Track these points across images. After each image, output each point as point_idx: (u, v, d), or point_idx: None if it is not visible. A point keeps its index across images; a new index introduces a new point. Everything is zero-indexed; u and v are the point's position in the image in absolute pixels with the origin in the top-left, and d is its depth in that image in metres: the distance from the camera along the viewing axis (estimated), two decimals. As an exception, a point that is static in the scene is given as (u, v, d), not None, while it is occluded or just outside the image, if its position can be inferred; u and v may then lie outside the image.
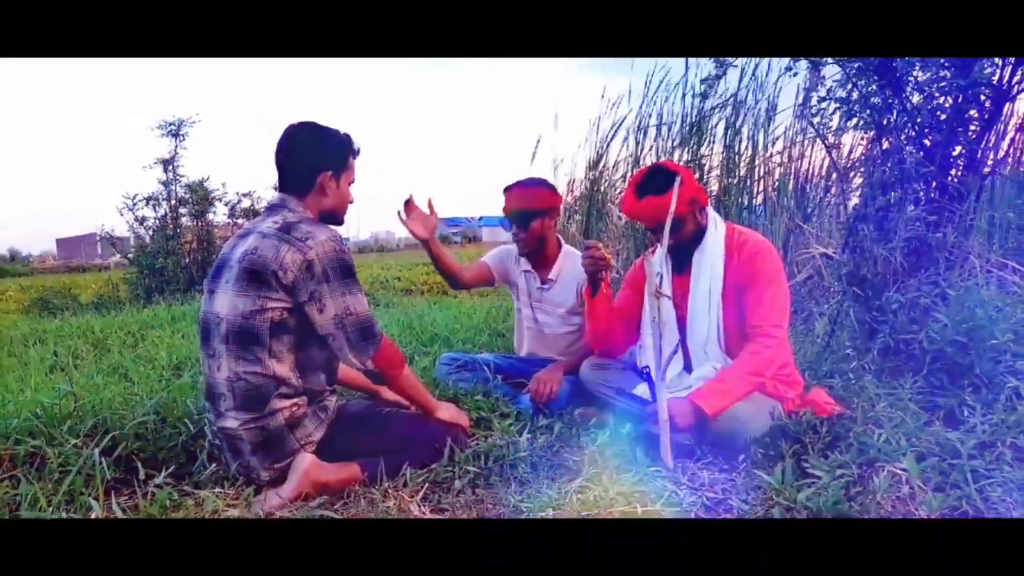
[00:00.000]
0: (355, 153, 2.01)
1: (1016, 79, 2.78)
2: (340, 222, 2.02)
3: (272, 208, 1.94)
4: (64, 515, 1.64)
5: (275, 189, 2.04)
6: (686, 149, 5.65)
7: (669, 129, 5.90)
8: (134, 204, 8.11)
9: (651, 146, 6.07)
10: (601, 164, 6.53)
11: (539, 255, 2.83)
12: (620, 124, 6.31)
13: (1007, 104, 2.92)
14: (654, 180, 2.15)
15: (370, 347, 1.88)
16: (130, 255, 8.27)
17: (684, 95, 5.69)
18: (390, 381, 2.01)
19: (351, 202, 2.03)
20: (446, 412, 2.11)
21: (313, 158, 1.92)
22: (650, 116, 6.04)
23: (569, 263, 2.81)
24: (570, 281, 2.80)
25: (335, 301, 1.81)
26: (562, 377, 2.58)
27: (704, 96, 5.22)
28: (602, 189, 6.53)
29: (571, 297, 2.81)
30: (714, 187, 5.47)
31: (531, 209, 2.69)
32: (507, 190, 2.73)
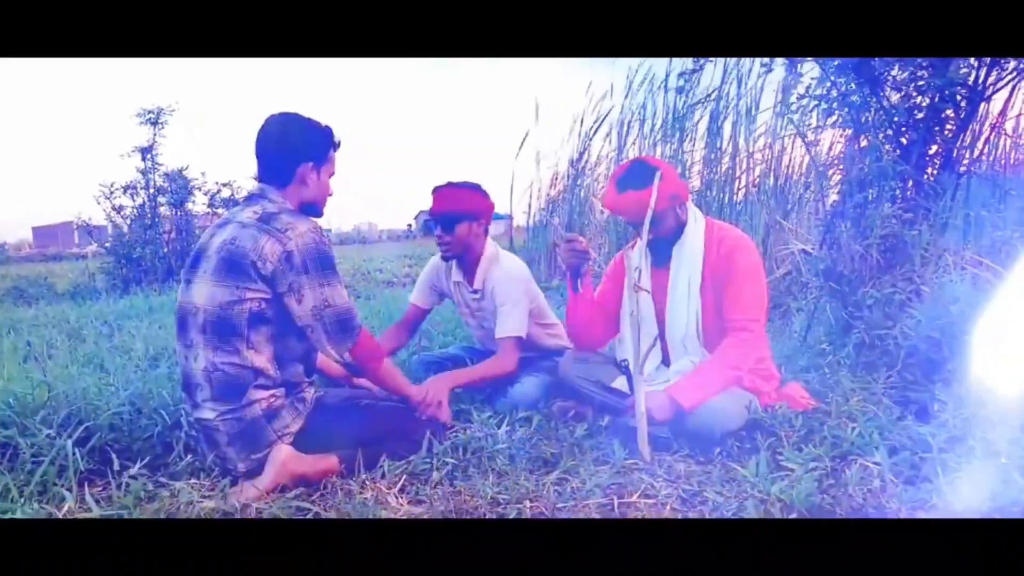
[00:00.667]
0: (336, 145, 2.00)
1: (991, 80, 2.82)
2: (319, 214, 2.01)
3: (251, 198, 1.92)
4: (36, 506, 1.63)
5: (255, 179, 2.02)
6: (668, 145, 5.68)
7: (652, 125, 5.93)
8: (111, 193, 7.99)
9: (634, 141, 6.10)
10: (584, 159, 6.55)
11: (467, 261, 2.67)
12: (603, 119, 6.33)
13: (982, 104, 2.96)
14: (635, 175, 2.16)
15: (348, 340, 1.88)
16: (107, 244, 8.15)
17: (667, 91, 5.72)
18: (369, 374, 2.01)
19: (331, 194, 2.02)
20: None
21: (294, 149, 1.90)
22: (633, 111, 6.07)
23: (492, 267, 2.64)
24: (493, 290, 2.62)
25: (314, 292, 1.81)
26: (449, 389, 2.30)
27: (681, 91, 5.24)
28: (584, 184, 6.55)
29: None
30: (696, 183, 5.51)
31: (458, 212, 2.54)
32: (435, 191, 2.59)
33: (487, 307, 2.69)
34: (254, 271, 1.76)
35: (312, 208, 1.98)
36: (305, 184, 1.93)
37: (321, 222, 1.95)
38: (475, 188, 2.60)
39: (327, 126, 1.98)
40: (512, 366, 2.52)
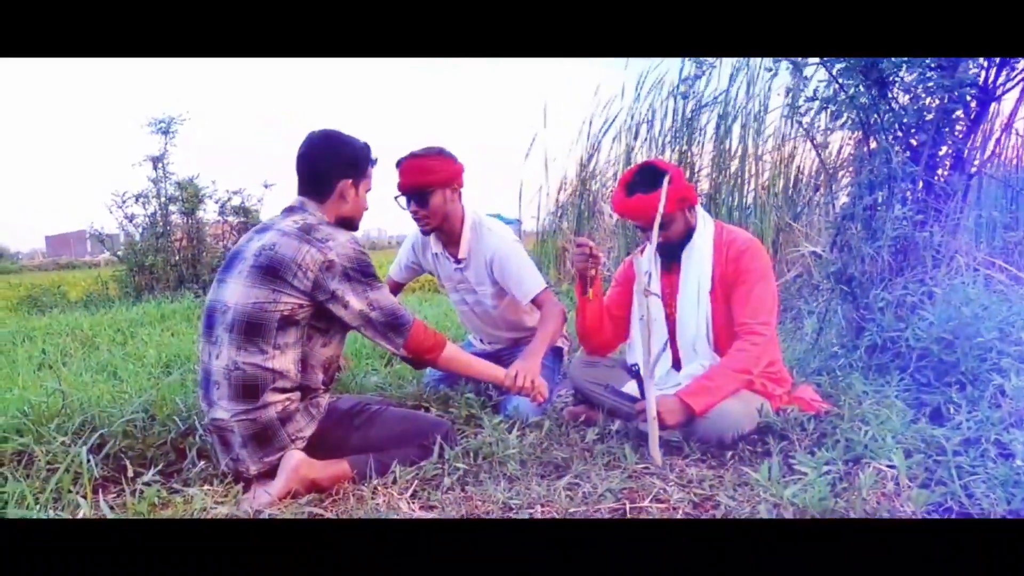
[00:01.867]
0: (373, 162, 2.08)
1: (1001, 80, 2.80)
2: (355, 228, 2.08)
3: (291, 209, 1.99)
4: (51, 513, 1.64)
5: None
6: (677, 148, 5.68)
7: (661, 127, 5.93)
8: (123, 201, 8.04)
9: (642, 144, 6.10)
10: (593, 162, 6.56)
11: (447, 232, 2.59)
12: (611, 122, 6.34)
13: (992, 104, 2.94)
14: (643, 178, 2.16)
15: (399, 336, 1.95)
16: (119, 253, 8.21)
17: (675, 95, 5.71)
18: (432, 365, 2.08)
19: (367, 209, 2.09)
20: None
21: (335, 166, 1.98)
22: (641, 115, 6.07)
23: (475, 238, 2.58)
24: (479, 259, 2.58)
25: (359, 298, 1.88)
26: (539, 362, 2.35)
27: (685, 96, 5.25)
28: (593, 188, 6.56)
29: (486, 278, 2.61)
30: (705, 186, 5.50)
31: (429, 184, 2.43)
32: (399, 164, 2.46)
33: (471, 279, 2.66)
34: (292, 278, 1.81)
35: (349, 223, 2.04)
36: (344, 200, 2.00)
37: None
38: (439, 153, 2.48)
39: (365, 143, 2.05)
40: (563, 310, 2.57)
